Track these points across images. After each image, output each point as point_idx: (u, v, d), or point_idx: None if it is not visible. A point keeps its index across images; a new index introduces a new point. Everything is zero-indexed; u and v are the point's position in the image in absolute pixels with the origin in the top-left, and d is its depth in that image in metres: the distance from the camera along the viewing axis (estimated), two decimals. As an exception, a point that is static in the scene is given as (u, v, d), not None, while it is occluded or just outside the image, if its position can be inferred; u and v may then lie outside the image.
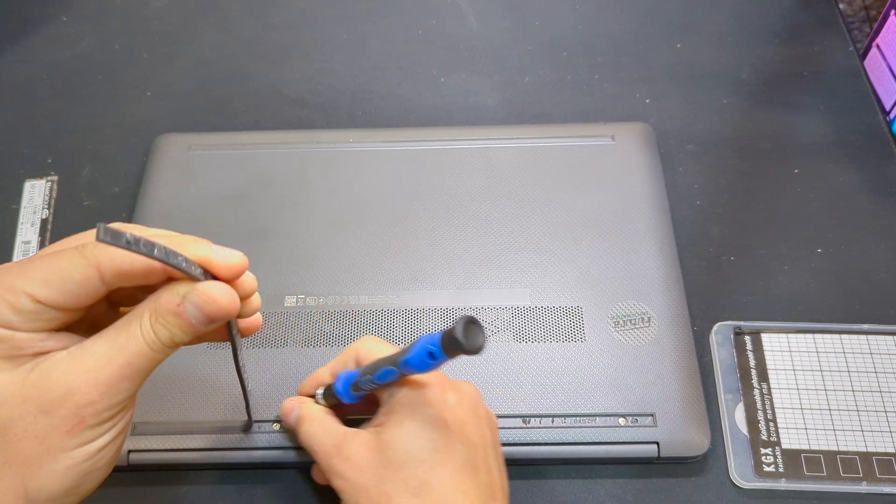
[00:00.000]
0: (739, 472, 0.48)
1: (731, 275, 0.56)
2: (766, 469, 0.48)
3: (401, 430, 0.39)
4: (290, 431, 0.47)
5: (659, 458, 0.47)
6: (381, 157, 0.59)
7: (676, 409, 0.48)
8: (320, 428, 0.42)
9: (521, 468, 0.49)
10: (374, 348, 0.43)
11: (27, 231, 0.60)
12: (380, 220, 0.56)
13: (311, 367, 0.49)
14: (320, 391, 0.45)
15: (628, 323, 0.51)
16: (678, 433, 0.47)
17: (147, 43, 0.71)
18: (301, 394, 0.46)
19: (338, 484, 0.40)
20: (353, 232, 0.55)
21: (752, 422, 0.50)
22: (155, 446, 0.48)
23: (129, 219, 0.60)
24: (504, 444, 0.47)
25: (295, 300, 0.53)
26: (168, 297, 0.33)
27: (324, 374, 0.45)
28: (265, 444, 0.48)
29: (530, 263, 0.54)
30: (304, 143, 0.60)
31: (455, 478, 0.38)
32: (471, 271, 0.54)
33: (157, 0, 0.74)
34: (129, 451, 0.48)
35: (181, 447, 0.48)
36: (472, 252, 0.54)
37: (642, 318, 0.51)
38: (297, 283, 0.53)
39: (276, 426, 0.48)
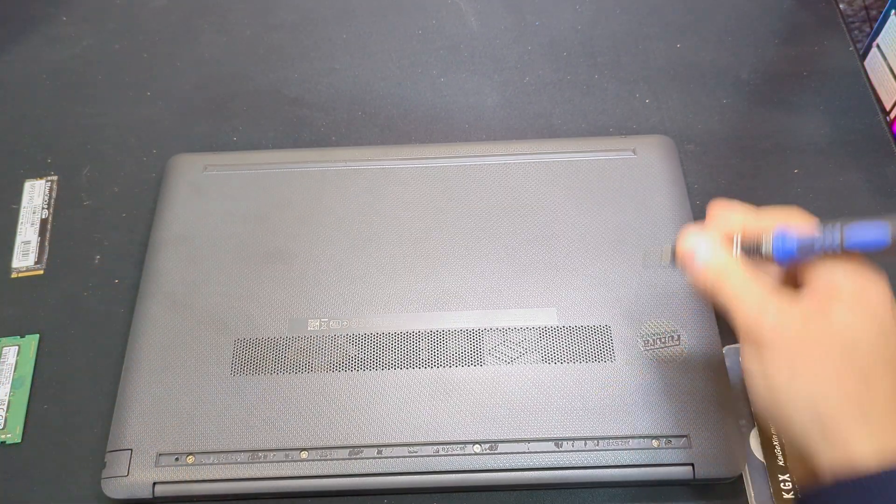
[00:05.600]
0: (759, 500, 0.47)
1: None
2: (786, 497, 0.47)
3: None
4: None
5: (694, 479, 0.46)
6: (399, 174, 0.58)
7: (711, 430, 0.47)
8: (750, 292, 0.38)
9: (553, 493, 0.49)
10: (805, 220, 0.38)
11: (27, 231, 0.60)
12: (401, 240, 0.55)
13: (341, 392, 0.49)
14: (739, 240, 0.39)
15: (658, 341, 0.50)
16: (714, 454, 0.46)
17: (147, 43, 0.71)
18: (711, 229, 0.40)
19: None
20: (375, 252, 0.54)
21: (767, 447, 0.49)
22: (180, 478, 0.47)
23: (128, 219, 0.60)
24: (536, 469, 0.47)
25: (318, 324, 0.52)
26: None
27: (750, 222, 0.39)
28: (294, 473, 0.47)
29: (556, 281, 0.53)
30: (321, 161, 0.59)
31: None
32: (496, 290, 0.52)
33: (157, 0, 0.74)
34: (155, 483, 0.47)
35: (206, 478, 0.47)
36: (497, 271, 0.53)
37: (672, 336, 0.50)
38: (320, 305, 0.52)
39: (304, 454, 0.47)
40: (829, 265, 0.37)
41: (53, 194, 0.62)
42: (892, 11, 0.63)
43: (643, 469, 0.47)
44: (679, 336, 0.50)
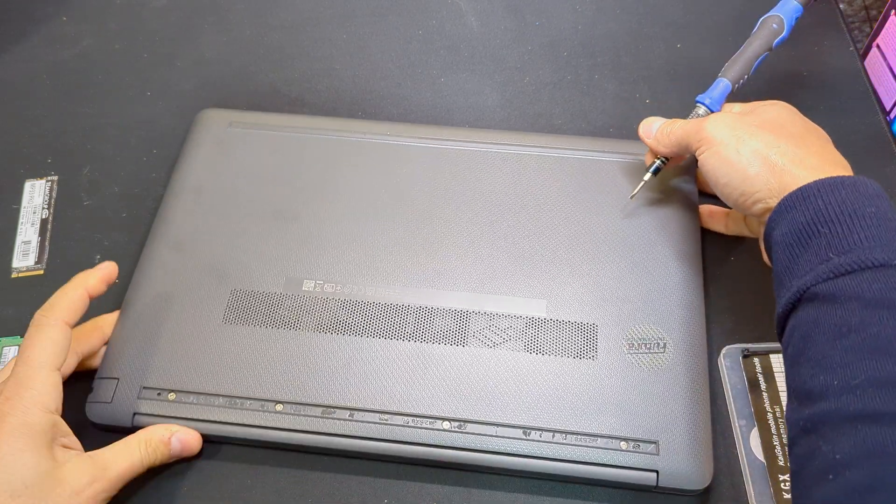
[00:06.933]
0: (759, 501, 0.47)
1: (733, 292, 0.56)
2: (787, 497, 0.46)
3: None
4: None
5: (657, 487, 0.46)
6: (415, 152, 0.59)
7: (681, 441, 0.47)
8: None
9: (515, 480, 0.48)
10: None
11: (27, 231, 0.60)
12: (406, 215, 0.56)
13: (323, 352, 0.50)
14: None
15: (643, 346, 0.50)
16: (680, 464, 0.46)
17: (147, 43, 0.71)
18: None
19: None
20: (379, 224, 0.56)
21: (767, 447, 0.48)
22: (159, 412, 0.48)
23: (128, 219, 0.60)
24: (501, 454, 0.47)
25: (313, 285, 0.53)
26: (161, 433, 0.47)
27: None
28: (266, 423, 0.48)
29: (551, 275, 0.53)
30: (341, 130, 0.61)
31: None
32: (490, 276, 0.53)
33: (157, 0, 0.74)
34: (135, 414, 0.48)
35: (184, 416, 0.48)
36: (494, 257, 0.54)
37: (658, 344, 0.50)
38: (317, 268, 0.54)
39: (279, 407, 0.48)
40: (738, 104, 0.54)
41: (53, 194, 0.62)
42: (892, 11, 0.63)
43: (606, 469, 0.46)
44: (665, 344, 0.50)
